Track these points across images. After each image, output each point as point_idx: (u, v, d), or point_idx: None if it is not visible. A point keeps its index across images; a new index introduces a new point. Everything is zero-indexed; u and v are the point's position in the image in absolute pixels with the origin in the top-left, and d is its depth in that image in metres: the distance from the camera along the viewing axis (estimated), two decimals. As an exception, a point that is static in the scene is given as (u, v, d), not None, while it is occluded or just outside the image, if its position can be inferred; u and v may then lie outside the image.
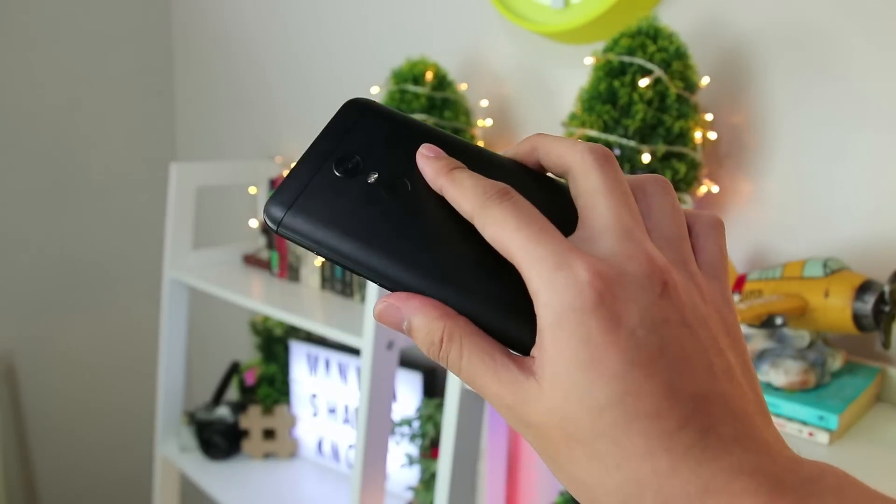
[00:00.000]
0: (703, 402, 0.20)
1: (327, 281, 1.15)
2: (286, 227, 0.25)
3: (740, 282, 0.74)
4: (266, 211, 0.25)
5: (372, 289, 0.88)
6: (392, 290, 0.24)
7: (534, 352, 0.22)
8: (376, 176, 0.26)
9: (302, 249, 1.18)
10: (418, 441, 1.13)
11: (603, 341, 0.20)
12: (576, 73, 0.97)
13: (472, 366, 0.23)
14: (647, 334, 0.20)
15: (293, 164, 0.27)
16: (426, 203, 0.25)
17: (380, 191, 0.25)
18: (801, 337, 0.68)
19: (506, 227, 0.22)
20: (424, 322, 0.23)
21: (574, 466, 0.21)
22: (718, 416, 0.20)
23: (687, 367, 0.20)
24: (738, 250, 0.84)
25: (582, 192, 0.24)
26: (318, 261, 1.15)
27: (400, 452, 1.15)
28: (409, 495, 1.16)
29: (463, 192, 0.24)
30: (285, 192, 0.26)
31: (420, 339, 0.24)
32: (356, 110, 0.28)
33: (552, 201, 0.25)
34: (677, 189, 0.76)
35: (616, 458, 0.20)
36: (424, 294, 0.24)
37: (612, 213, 0.22)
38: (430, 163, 0.25)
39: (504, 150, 0.27)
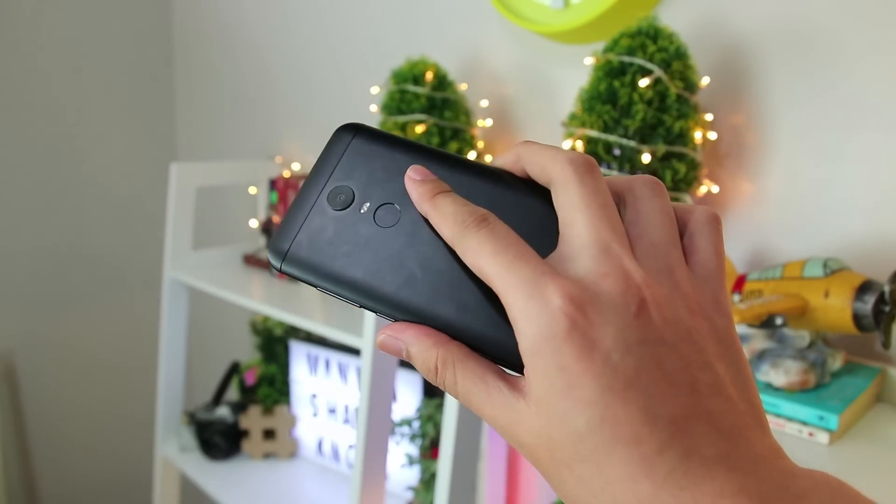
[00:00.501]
0: (685, 423, 0.20)
1: (327, 281, 1.15)
2: (287, 269, 0.26)
3: (740, 282, 0.74)
4: (269, 253, 0.27)
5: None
6: (391, 317, 0.25)
7: (525, 371, 0.22)
8: (368, 205, 0.26)
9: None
10: (418, 441, 1.13)
11: (578, 369, 0.20)
12: (576, 73, 0.97)
13: (465, 389, 0.23)
14: (623, 357, 0.20)
15: (293, 199, 0.28)
16: (418, 227, 0.26)
17: (372, 220, 0.26)
18: (801, 337, 0.67)
19: (482, 254, 0.23)
20: (419, 351, 0.24)
21: (565, 487, 0.21)
22: (702, 436, 0.20)
23: (666, 388, 0.20)
24: (738, 250, 0.84)
25: (562, 206, 0.23)
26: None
27: (400, 452, 1.15)
28: (409, 495, 1.16)
29: (443, 218, 0.24)
30: (284, 231, 0.27)
31: (418, 366, 0.25)
32: (346, 137, 0.28)
33: (539, 215, 0.25)
34: (677, 189, 0.76)
35: (600, 483, 0.20)
36: (420, 320, 0.25)
37: (590, 228, 0.22)
38: (415, 187, 0.26)
39: (495, 157, 0.27)
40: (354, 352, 1.24)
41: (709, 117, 0.81)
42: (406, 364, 1.17)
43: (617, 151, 0.75)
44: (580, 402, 0.20)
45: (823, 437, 0.60)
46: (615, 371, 0.20)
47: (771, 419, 0.62)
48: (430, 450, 1.11)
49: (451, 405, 0.81)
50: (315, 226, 0.27)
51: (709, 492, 0.19)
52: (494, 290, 0.22)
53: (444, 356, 0.24)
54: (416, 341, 0.24)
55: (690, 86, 0.76)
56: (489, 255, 0.22)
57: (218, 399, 1.40)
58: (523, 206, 0.25)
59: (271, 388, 1.38)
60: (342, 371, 1.27)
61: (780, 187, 0.80)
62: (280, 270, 0.27)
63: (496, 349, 0.23)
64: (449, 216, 0.24)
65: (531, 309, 0.21)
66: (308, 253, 0.26)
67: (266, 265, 1.31)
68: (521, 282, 0.21)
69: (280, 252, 0.26)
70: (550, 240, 0.24)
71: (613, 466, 0.20)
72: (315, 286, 0.26)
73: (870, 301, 0.63)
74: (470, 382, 0.23)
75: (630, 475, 0.20)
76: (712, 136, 0.81)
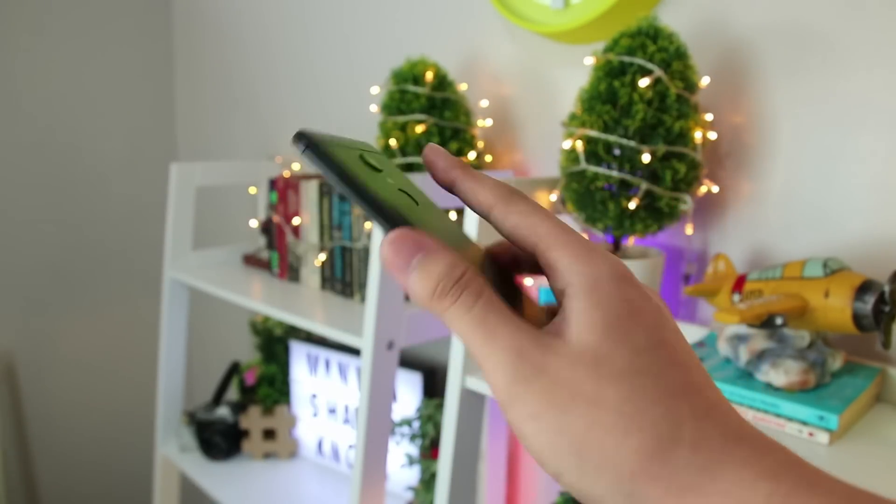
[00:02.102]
0: (706, 375, 0.24)
1: (327, 281, 1.15)
2: (314, 150, 0.23)
3: (740, 282, 0.74)
4: (299, 132, 0.23)
5: (373, 288, 0.88)
6: None
7: (568, 310, 0.24)
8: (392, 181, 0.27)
9: (302, 249, 1.18)
10: (418, 441, 1.13)
11: (639, 303, 0.23)
12: (576, 73, 0.97)
13: (485, 310, 0.23)
14: (665, 318, 0.25)
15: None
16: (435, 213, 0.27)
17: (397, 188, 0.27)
18: (801, 337, 0.67)
19: (535, 214, 0.25)
20: (445, 256, 0.23)
21: (578, 422, 0.22)
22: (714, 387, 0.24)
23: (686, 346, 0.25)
24: (738, 250, 0.84)
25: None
26: (318, 261, 1.15)
27: (400, 452, 1.15)
28: (409, 495, 1.16)
29: (483, 185, 0.26)
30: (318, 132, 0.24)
31: (435, 272, 0.23)
32: (307, 149, 0.25)
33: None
34: (677, 189, 0.76)
35: (653, 395, 0.21)
36: None
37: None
38: (440, 158, 0.27)
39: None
40: (354, 352, 1.24)
41: (709, 117, 0.81)
42: (406, 364, 1.17)
43: (617, 151, 0.75)
44: (641, 325, 0.23)
45: (823, 437, 0.60)
46: (662, 312, 0.24)
47: (771, 419, 0.62)
48: (430, 450, 1.11)
49: (451, 405, 0.81)
50: (347, 151, 0.25)
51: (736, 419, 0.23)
52: (542, 246, 0.24)
53: (474, 274, 0.23)
54: (443, 248, 0.23)
55: (690, 86, 0.76)
56: (544, 216, 0.25)
57: (218, 399, 1.40)
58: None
59: (271, 388, 1.38)
60: (342, 371, 1.27)
61: (780, 187, 0.80)
62: (304, 152, 0.23)
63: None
64: (490, 182, 0.26)
65: (594, 258, 0.24)
66: (337, 152, 0.24)
67: (266, 265, 1.31)
68: (579, 240, 0.25)
69: (310, 136, 0.23)
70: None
71: (672, 378, 0.22)
72: (334, 175, 0.23)
73: (870, 301, 0.63)
74: (496, 305, 0.23)
75: (692, 386, 0.22)
76: (712, 136, 0.81)
